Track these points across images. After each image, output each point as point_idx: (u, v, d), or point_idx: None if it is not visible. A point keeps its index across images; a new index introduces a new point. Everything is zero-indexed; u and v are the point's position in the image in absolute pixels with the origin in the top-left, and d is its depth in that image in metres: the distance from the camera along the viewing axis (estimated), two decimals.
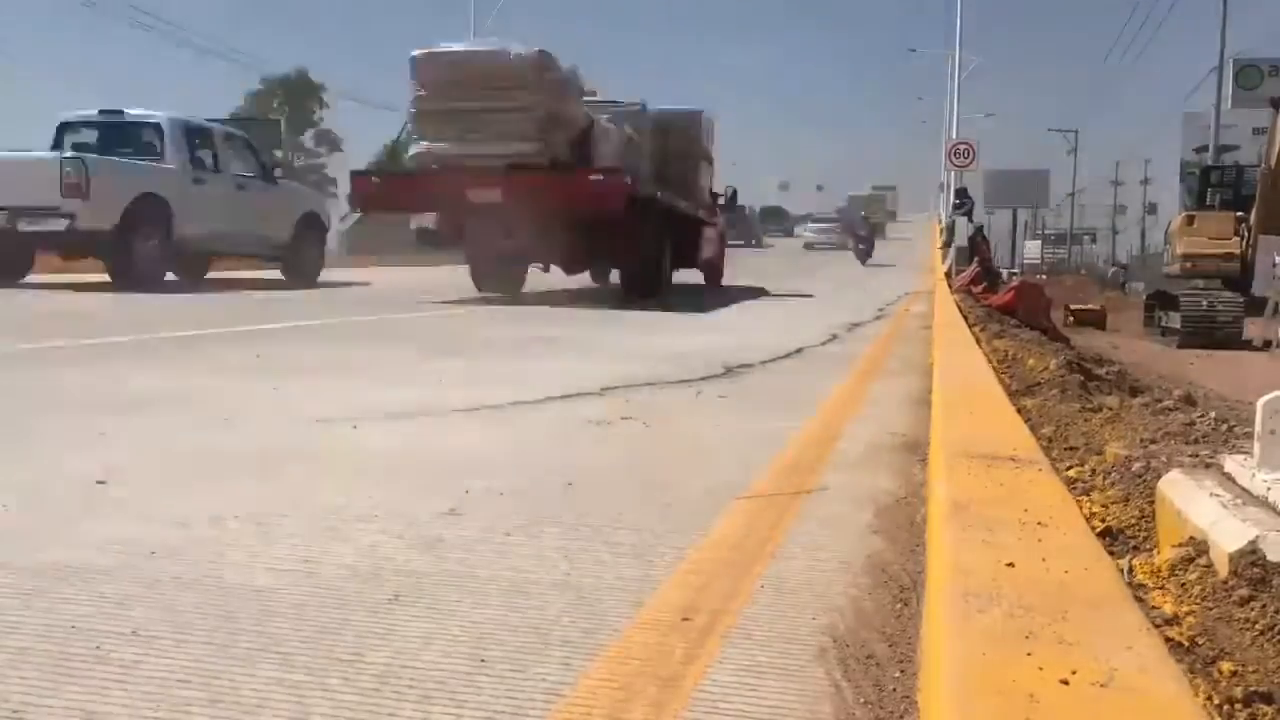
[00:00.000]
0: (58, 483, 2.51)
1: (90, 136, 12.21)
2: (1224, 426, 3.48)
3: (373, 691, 1.39)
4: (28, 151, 11.62)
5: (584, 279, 14.13)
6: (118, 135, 12.10)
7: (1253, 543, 1.83)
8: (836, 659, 1.55)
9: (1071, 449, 3.36)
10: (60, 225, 10.81)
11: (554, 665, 1.49)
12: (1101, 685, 1.20)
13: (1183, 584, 1.91)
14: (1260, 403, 2.17)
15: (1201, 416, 3.80)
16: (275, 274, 14.26)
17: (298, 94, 52.82)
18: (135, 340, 6.17)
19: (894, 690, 1.46)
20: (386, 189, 11.18)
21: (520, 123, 9.89)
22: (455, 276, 12.95)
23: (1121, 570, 1.93)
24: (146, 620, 1.62)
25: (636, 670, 1.47)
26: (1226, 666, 1.56)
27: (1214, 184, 19.05)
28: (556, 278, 13.47)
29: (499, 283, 12.15)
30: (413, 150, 10.52)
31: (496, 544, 2.08)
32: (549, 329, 7.80)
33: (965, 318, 9.40)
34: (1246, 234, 16.58)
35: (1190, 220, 17.97)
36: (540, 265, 12.99)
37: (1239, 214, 17.20)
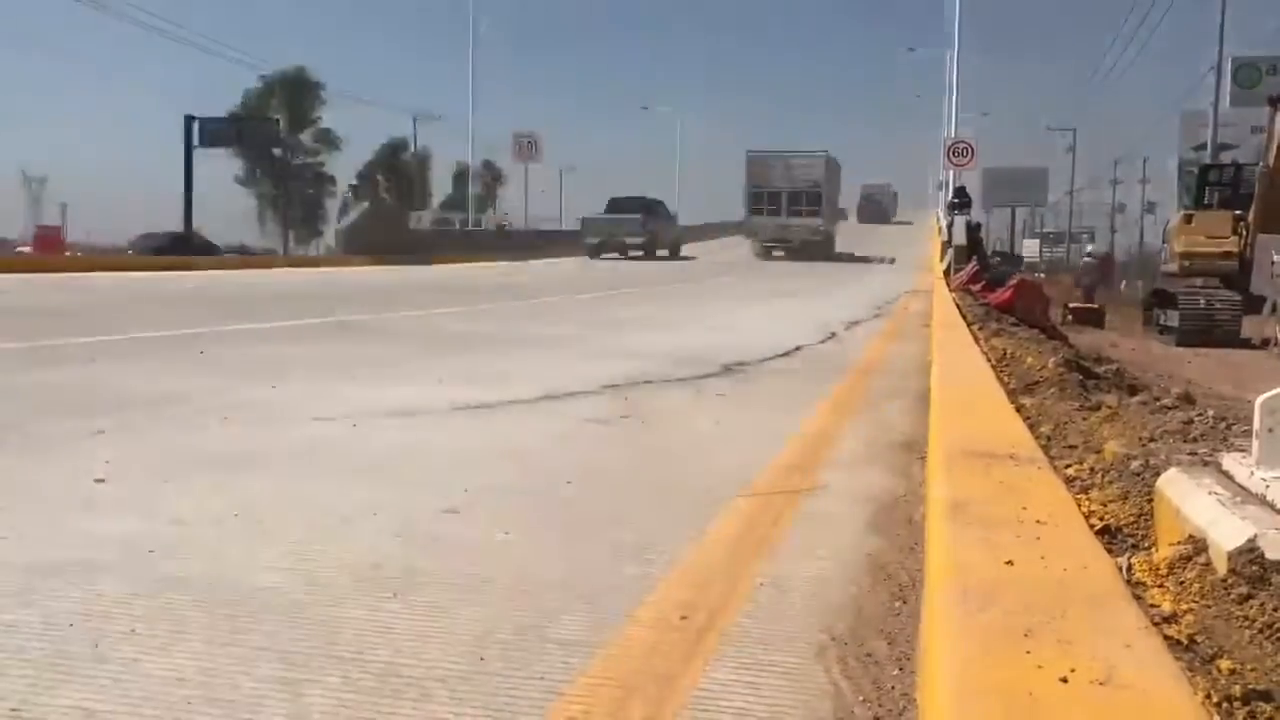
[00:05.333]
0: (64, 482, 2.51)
1: None
2: (1222, 424, 3.48)
3: (372, 690, 1.39)
4: None
5: None
6: None
7: (1251, 541, 1.83)
8: (835, 657, 1.55)
9: (1070, 447, 3.36)
10: None
11: (553, 664, 1.49)
12: (1100, 683, 1.21)
13: (1181, 582, 1.90)
14: (1258, 401, 2.17)
15: (1200, 414, 3.79)
16: None
17: (296, 93, 52.69)
18: None
19: (893, 689, 1.46)
20: None
21: None
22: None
23: (1120, 568, 1.93)
24: (145, 618, 1.61)
25: (636, 669, 1.47)
26: (1225, 664, 1.56)
27: (1212, 182, 18.99)
28: None
29: None
30: None
31: (496, 543, 2.08)
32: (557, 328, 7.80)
33: (964, 316, 9.40)
34: (1245, 232, 16.57)
35: (1189, 219, 17.94)
36: None
37: (1237, 212, 17.18)
